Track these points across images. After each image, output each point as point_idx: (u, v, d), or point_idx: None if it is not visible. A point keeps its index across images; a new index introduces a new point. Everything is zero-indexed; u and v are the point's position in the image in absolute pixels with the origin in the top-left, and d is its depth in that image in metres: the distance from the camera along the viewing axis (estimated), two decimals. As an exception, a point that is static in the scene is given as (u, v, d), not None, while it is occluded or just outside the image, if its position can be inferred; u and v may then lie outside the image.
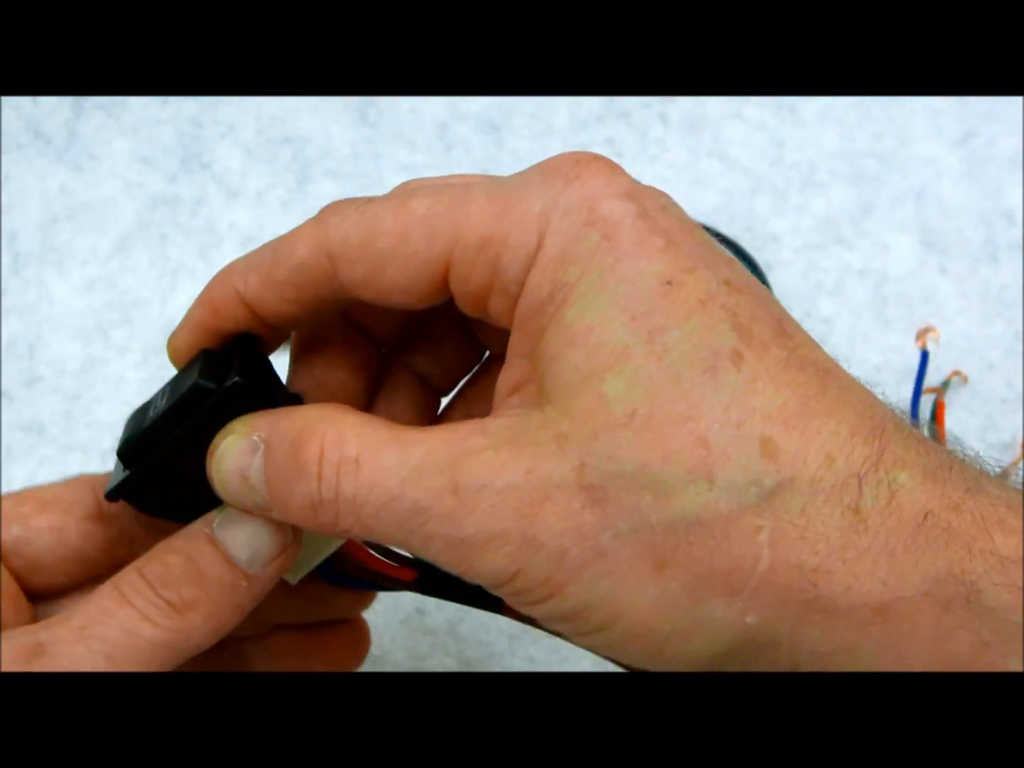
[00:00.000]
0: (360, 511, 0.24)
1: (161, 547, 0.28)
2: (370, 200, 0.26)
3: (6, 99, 0.53)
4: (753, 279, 0.25)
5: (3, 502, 0.30)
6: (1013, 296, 0.51)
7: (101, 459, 0.44)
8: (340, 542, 0.30)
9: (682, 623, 0.23)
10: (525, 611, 0.25)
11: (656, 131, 0.52)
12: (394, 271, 0.25)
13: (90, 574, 0.31)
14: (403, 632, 0.41)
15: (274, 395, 0.28)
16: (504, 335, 0.26)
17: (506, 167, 0.53)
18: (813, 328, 0.27)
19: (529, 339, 0.24)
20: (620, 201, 0.24)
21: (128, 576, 0.27)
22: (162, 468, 0.28)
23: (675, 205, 0.26)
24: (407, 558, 0.31)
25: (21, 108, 0.53)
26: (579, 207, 0.24)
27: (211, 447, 0.26)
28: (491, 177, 0.27)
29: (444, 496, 0.23)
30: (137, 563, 0.28)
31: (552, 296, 0.23)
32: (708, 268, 0.24)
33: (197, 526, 0.28)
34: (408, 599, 0.42)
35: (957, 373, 0.46)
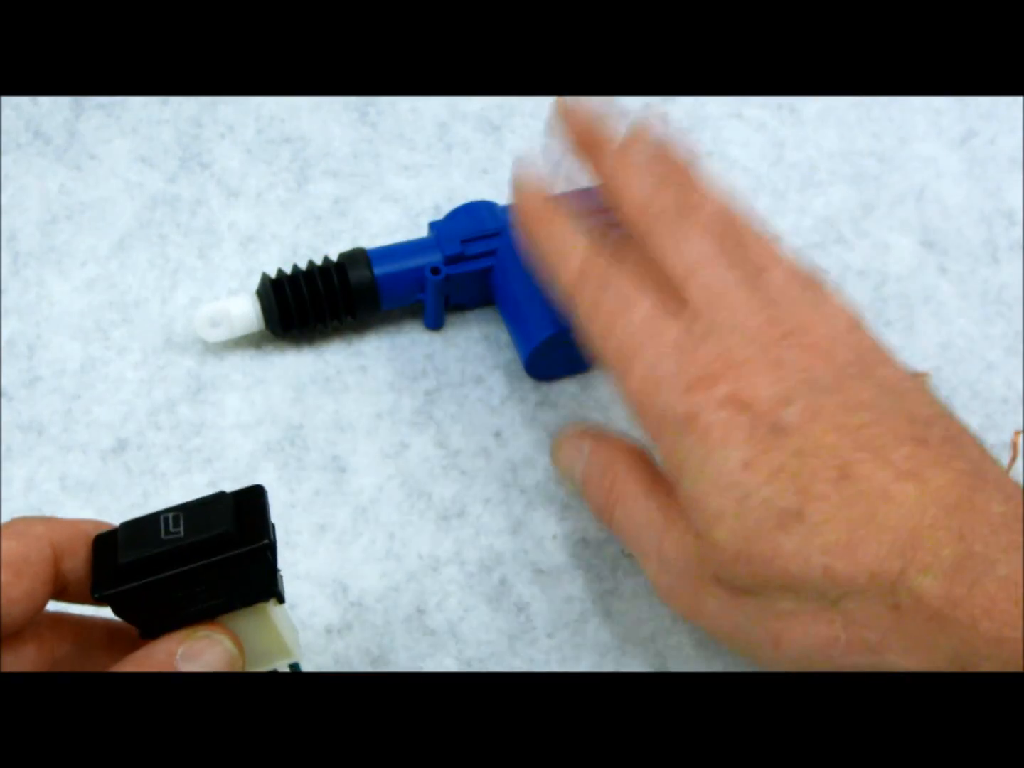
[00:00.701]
0: (612, 520, 0.38)
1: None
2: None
3: (6, 99, 0.53)
4: (841, 420, 0.33)
5: None
6: (1013, 296, 0.51)
7: (100, 459, 0.44)
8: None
9: (806, 668, 0.33)
10: None
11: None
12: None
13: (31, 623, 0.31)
14: (403, 632, 0.41)
15: (275, 561, 0.31)
16: None
17: (506, 167, 0.53)
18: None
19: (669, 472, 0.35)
20: (715, 409, 0.33)
21: None
22: (159, 590, 0.29)
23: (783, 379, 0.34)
24: None
25: (21, 108, 0.53)
26: (683, 418, 0.34)
27: (555, 442, 0.40)
28: None
29: (654, 547, 0.36)
30: None
31: (671, 465, 0.34)
32: (780, 445, 0.32)
33: (161, 646, 0.30)
34: (408, 599, 0.42)
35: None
